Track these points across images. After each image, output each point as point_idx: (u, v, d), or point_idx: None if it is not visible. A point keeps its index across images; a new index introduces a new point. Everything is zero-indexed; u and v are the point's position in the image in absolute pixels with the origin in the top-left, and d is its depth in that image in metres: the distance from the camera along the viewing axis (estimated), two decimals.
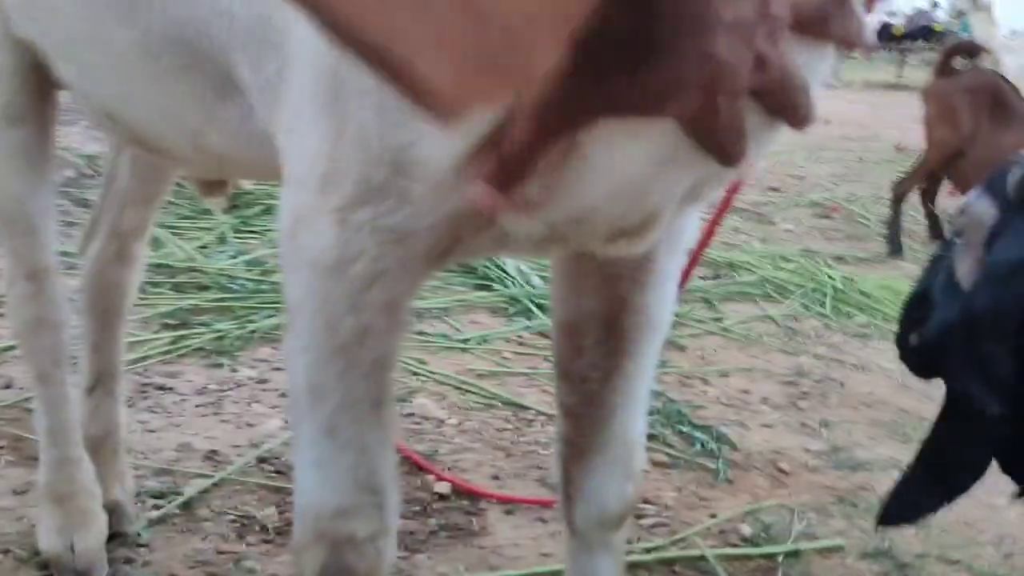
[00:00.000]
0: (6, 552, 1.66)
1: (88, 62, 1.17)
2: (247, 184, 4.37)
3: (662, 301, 1.08)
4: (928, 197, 5.30)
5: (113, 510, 1.68)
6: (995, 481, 1.35)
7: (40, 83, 1.36)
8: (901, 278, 4.32)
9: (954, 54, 5.26)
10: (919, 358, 1.40)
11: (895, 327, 1.46)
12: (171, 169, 1.69)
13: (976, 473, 1.39)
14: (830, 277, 4.03)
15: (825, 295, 3.82)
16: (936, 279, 1.40)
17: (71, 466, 1.58)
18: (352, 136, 0.78)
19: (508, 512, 1.98)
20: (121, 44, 1.06)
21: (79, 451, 1.60)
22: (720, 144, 0.62)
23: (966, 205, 1.40)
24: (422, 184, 0.77)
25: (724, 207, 1.40)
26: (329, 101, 0.80)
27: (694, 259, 1.60)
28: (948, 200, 5.37)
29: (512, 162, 0.62)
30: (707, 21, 0.57)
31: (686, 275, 1.20)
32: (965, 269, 1.36)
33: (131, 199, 1.68)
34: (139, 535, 1.74)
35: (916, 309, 1.43)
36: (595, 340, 1.10)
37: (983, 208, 1.36)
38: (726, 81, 0.59)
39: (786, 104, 0.64)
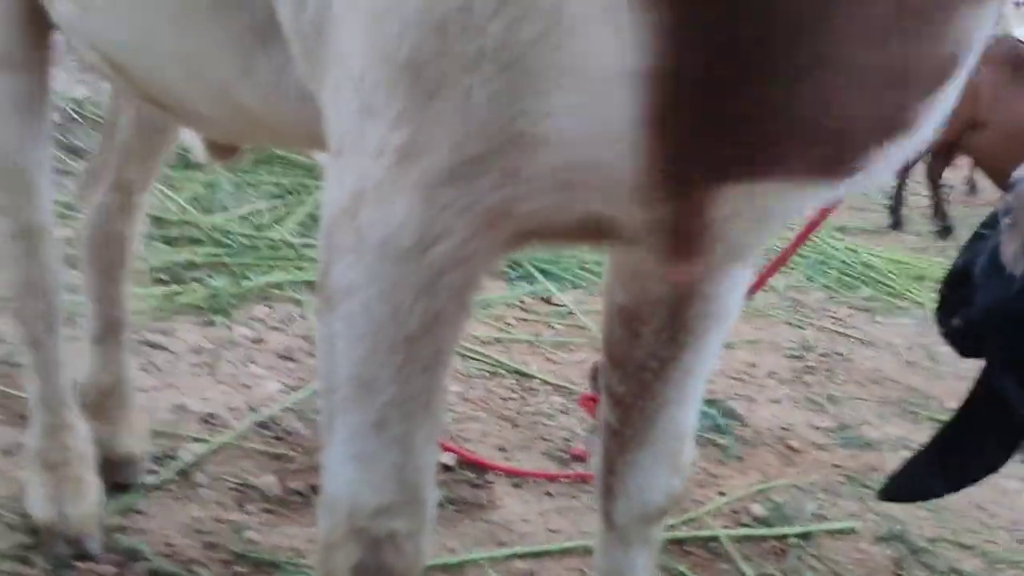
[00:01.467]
0: None
1: (94, 1, 1.06)
2: None
3: (732, 291, 0.99)
4: (935, 171, 5.23)
5: (124, 462, 1.66)
6: (1008, 466, 1.30)
7: (36, 25, 1.25)
8: (904, 250, 4.28)
9: None
10: (962, 340, 1.34)
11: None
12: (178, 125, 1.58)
13: (990, 468, 1.35)
14: (834, 248, 3.97)
15: (829, 267, 3.76)
16: (979, 258, 1.34)
17: (64, 432, 1.50)
18: (449, 103, 0.68)
19: (515, 485, 1.93)
20: None
21: (72, 417, 1.52)
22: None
23: (1016, 182, 1.33)
24: (541, 161, 0.68)
25: (819, 220, 1.33)
26: (411, 62, 0.68)
27: (777, 263, 1.52)
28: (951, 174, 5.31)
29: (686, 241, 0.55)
30: (829, 63, 0.49)
31: (763, 279, 1.12)
32: (1011, 251, 1.30)
33: (134, 152, 1.59)
34: (134, 500, 1.67)
35: (956, 287, 1.37)
36: (655, 328, 1.01)
37: None
38: (856, 138, 0.51)
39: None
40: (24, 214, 1.37)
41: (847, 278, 3.70)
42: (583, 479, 1.97)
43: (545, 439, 2.14)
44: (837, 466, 2.22)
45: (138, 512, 1.65)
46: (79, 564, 1.48)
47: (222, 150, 1.41)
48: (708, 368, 1.06)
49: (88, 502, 1.51)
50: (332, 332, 0.80)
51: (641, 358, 1.03)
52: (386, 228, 0.74)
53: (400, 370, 0.79)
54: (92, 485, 1.53)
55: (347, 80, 0.74)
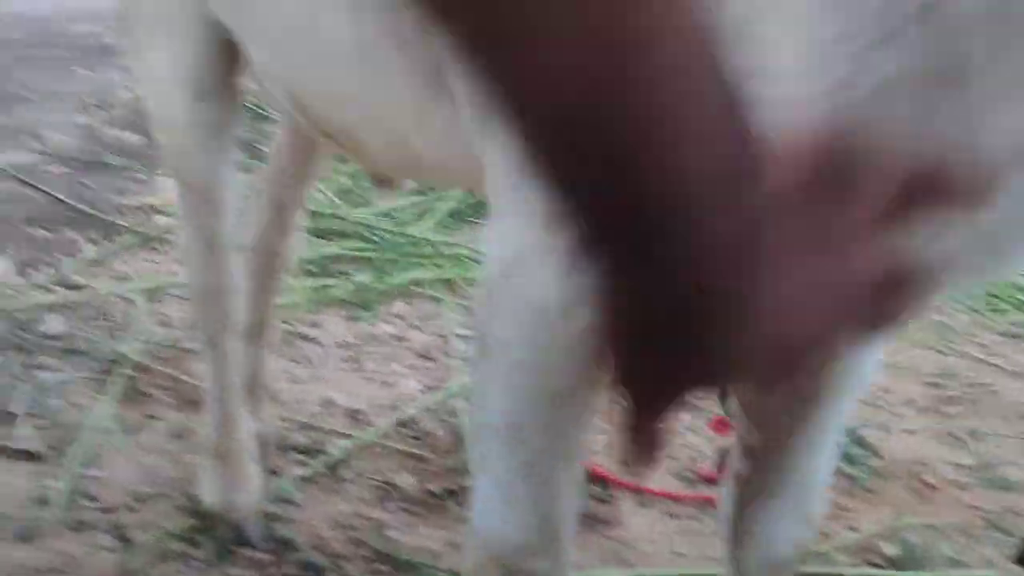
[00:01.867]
0: (165, 496, 1.75)
1: (289, 53, 1.16)
2: None
3: (870, 357, 0.99)
4: None
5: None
6: None
7: (230, 59, 1.37)
8: None
9: None
10: None
11: None
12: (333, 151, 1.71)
13: None
14: None
15: (976, 288, 3.59)
16: None
17: (233, 426, 1.65)
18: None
19: (640, 504, 1.96)
20: (338, 40, 1.03)
21: (240, 412, 1.66)
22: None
23: None
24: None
25: None
26: None
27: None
28: None
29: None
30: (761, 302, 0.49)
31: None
32: None
33: (287, 176, 1.78)
34: (288, 491, 1.80)
35: None
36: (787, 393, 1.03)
37: None
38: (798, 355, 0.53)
39: None
40: (210, 226, 1.51)
41: (996, 300, 3.52)
42: (709, 502, 1.99)
43: (671, 457, 2.17)
44: (977, 508, 2.14)
45: (291, 503, 1.78)
46: (240, 550, 1.63)
47: (384, 179, 1.52)
48: (843, 419, 1.07)
49: (252, 493, 1.65)
50: (486, 379, 0.88)
51: (771, 411, 1.06)
52: (537, 292, 0.80)
53: (547, 425, 0.86)
54: (255, 477, 1.67)
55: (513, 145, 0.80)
